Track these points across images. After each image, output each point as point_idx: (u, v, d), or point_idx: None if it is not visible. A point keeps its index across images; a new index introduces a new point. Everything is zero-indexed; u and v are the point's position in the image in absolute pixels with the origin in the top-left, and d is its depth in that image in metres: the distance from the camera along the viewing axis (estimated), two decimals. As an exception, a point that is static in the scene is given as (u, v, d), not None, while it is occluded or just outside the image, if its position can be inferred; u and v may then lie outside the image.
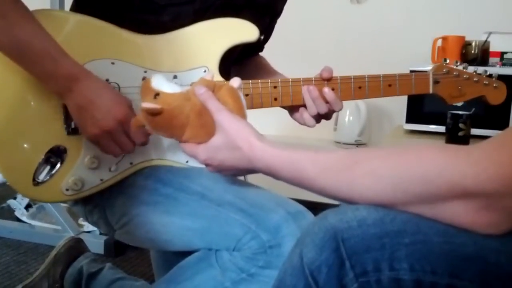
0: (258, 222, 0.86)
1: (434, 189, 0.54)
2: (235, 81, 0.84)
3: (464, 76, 1.05)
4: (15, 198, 2.22)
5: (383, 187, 0.57)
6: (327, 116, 1.01)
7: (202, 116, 0.80)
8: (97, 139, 0.87)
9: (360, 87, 1.00)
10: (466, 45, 1.99)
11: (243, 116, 0.82)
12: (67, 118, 0.91)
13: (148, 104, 0.80)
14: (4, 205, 2.25)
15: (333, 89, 0.99)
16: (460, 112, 1.69)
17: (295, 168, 0.67)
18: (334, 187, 0.62)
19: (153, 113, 0.80)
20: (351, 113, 2.33)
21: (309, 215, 0.89)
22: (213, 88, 0.82)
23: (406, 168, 0.56)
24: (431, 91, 1.04)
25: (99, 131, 0.86)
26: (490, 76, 1.07)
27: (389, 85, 1.01)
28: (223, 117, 0.77)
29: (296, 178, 0.67)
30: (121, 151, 0.89)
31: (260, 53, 1.26)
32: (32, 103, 0.90)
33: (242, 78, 1.24)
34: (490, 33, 1.96)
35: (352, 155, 0.62)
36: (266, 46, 1.25)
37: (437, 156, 0.55)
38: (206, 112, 0.80)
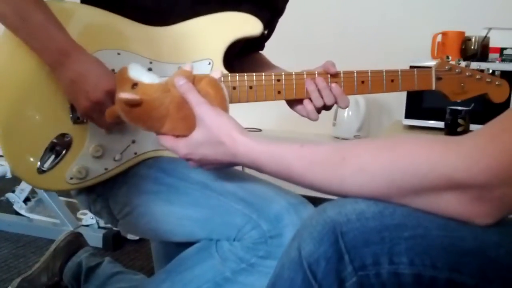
0: (259, 212, 0.86)
1: (427, 183, 0.54)
2: (216, 73, 0.83)
3: (467, 73, 1.04)
4: (13, 192, 2.21)
5: (377, 184, 0.57)
6: (329, 106, 1.00)
7: (182, 109, 0.78)
8: (89, 112, 0.88)
9: (363, 82, 1.00)
10: (466, 40, 1.99)
11: (225, 107, 0.79)
12: (73, 106, 0.91)
13: (126, 95, 0.77)
14: (2, 198, 2.24)
15: (336, 83, 0.99)
16: (459, 108, 1.68)
17: (281, 163, 0.66)
18: (323, 183, 0.62)
19: (131, 104, 0.78)
20: (350, 108, 2.33)
21: (310, 206, 0.89)
22: (192, 79, 0.79)
23: (397, 163, 0.56)
24: (434, 87, 1.04)
25: (89, 103, 0.86)
26: (493, 73, 1.06)
27: (392, 81, 1.01)
28: (204, 110, 0.75)
29: (282, 173, 0.67)
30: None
31: (261, 52, 1.25)
32: (39, 91, 0.91)
33: (244, 72, 1.23)
34: (490, 29, 1.95)
35: (339, 150, 0.61)
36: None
37: (428, 150, 0.54)
38: (186, 104, 0.77)
